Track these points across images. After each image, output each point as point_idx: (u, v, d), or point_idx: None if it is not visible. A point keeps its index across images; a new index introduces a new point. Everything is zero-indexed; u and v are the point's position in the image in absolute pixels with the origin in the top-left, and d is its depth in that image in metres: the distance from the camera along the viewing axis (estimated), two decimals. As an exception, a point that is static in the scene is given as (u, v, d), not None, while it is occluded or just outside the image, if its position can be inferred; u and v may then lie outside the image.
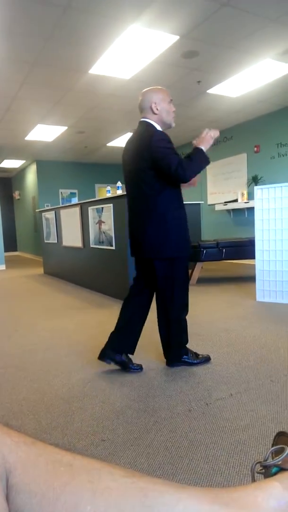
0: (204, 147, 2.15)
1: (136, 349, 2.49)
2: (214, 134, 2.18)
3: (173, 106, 2.25)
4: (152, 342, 2.83)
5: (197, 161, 2.10)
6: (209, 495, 0.43)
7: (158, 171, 2.11)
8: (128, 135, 8.11)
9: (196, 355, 2.40)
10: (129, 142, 2.30)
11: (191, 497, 0.42)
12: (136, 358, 2.52)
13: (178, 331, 2.32)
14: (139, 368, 2.33)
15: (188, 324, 2.41)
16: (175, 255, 2.19)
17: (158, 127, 2.19)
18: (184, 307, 2.33)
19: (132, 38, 3.96)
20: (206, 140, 2.16)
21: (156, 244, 2.17)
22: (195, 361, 2.37)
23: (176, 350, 2.35)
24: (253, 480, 0.52)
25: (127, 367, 2.32)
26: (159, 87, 2.28)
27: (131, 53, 4.30)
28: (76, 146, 9.07)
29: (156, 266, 2.22)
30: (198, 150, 2.14)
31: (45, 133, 7.63)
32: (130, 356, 2.38)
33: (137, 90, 5.50)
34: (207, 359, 2.40)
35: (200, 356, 2.40)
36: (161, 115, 2.19)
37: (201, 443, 1.52)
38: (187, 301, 2.36)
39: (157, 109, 2.18)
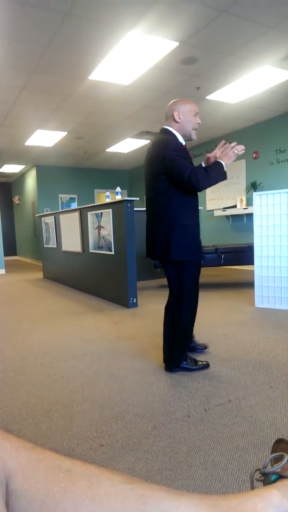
0: (224, 162, 2.18)
1: (134, 354, 2.49)
2: (238, 150, 2.20)
3: (198, 119, 2.28)
4: (152, 347, 2.83)
5: (212, 174, 2.15)
6: (207, 502, 0.43)
7: (170, 178, 2.18)
8: (128, 140, 8.15)
9: (195, 361, 2.40)
10: (149, 148, 2.36)
11: (189, 504, 0.42)
12: (135, 362, 2.52)
13: (182, 336, 2.33)
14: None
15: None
16: (182, 259, 2.23)
17: (179, 136, 2.24)
18: (190, 312, 2.35)
19: (132, 44, 3.99)
20: (228, 156, 2.20)
21: (165, 247, 2.24)
22: (194, 367, 2.36)
23: (177, 355, 2.35)
24: (252, 487, 0.52)
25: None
26: (188, 99, 2.33)
27: (130, 59, 4.33)
28: (76, 152, 9.11)
29: (167, 268, 2.31)
30: (217, 164, 2.18)
31: (45, 138, 7.66)
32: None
33: (137, 95, 5.54)
34: (205, 366, 2.39)
35: (199, 362, 2.39)
36: (183, 124, 2.24)
37: (200, 449, 1.51)
38: (195, 307, 2.38)
39: (179, 118, 2.23)
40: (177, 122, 2.24)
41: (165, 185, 2.22)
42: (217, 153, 2.22)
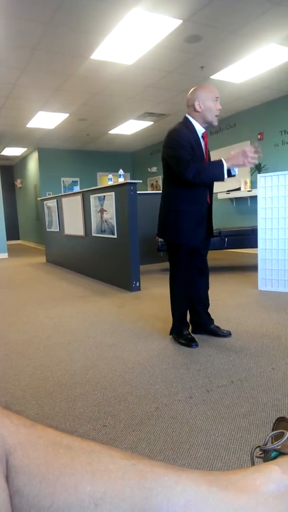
0: (228, 164, 2.20)
1: (137, 336, 2.50)
2: (249, 159, 2.18)
3: (219, 104, 2.30)
4: (155, 330, 2.85)
5: (207, 170, 2.22)
6: (208, 477, 0.44)
7: (168, 165, 2.30)
8: (131, 122, 8.03)
9: (188, 339, 2.50)
10: None
11: (190, 480, 0.43)
12: (137, 345, 2.54)
13: (175, 305, 2.53)
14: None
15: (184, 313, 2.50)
16: (173, 241, 2.41)
17: (196, 124, 2.30)
18: (181, 287, 2.49)
19: (135, 23, 3.89)
20: (234, 158, 2.21)
21: (163, 227, 2.45)
22: (180, 342, 2.52)
23: (173, 322, 2.59)
24: (253, 464, 0.52)
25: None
26: (207, 85, 2.35)
27: (133, 38, 4.23)
28: (78, 134, 9.00)
29: (167, 245, 2.50)
30: (218, 161, 2.21)
31: (47, 120, 7.56)
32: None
33: (140, 75, 5.43)
34: (188, 345, 2.47)
35: (188, 341, 2.49)
36: (204, 113, 2.28)
37: (202, 429, 1.53)
38: (185, 285, 2.49)
39: (200, 107, 2.28)
40: (197, 111, 2.29)
41: (168, 171, 2.34)
42: (232, 153, 2.24)
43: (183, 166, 2.16)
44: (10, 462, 0.40)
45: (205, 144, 2.36)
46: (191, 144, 2.24)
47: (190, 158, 2.19)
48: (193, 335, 2.57)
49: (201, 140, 2.33)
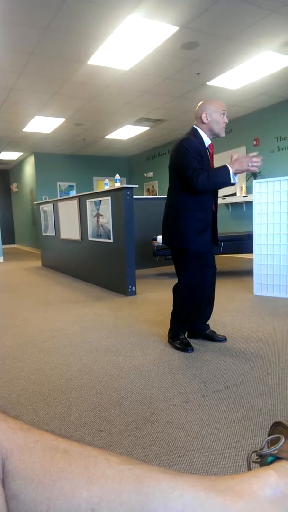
0: (233, 168, 2.23)
1: (133, 341, 2.49)
2: (253, 164, 2.20)
3: (226, 118, 2.38)
4: (150, 335, 2.84)
5: (214, 177, 2.25)
6: (205, 482, 0.44)
7: (179, 173, 2.34)
8: (127, 127, 8.06)
9: (184, 343, 2.51)
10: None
11: (187, 485, 0.43)
12: (133, 349, 2.53)
13: (175, 310, 2.55)
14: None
15: (185, 317, 2.47)
16: (182, 247, 2.44)
17: (204, 135, 2.38)
18: (184, 293, 2.49)
19: (131, 29, 3.91)
20: (238, 163, 2.23)
21: (169, 234, 2.49)
22: (176, 347, 2.53)
23: (171, 328, 2.61)
24: (249, 469, 0.52)
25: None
26: (216, 99, 2.45)
27: (130, 44, 4.26)
28: (74, 138, 9.02)
29: (172, 252, 2.54)
30: (223, 168, 2.25)
31: (43, 124, 7.57)
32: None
33: (136, 81, 5.46)
34: (184, 350, 2.48)
35: (184, 346, 2.51)
36: (210, 125, 2.36)
37: (198, 434, 1.53)
38: (189, 291, 2.49)
39: (207, 119, 2.35)
40: (204, 123, 2.37)
41: (175, 178, 2.41)
42: (234, 156, 2.26)
43: (195, 174, 2.22)
44: (6, 467, 0.40)
45: (211, 155, 2.43)
46: (200, 153, 2.31)
47: (200, 167, 2.26)
48: (189, 339, 2.57)
49: (208, 150, 2.40)
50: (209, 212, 2.47)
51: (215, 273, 2.65)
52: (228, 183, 2.25)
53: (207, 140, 2.40)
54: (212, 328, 2.73)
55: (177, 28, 3.98)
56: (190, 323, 2.67)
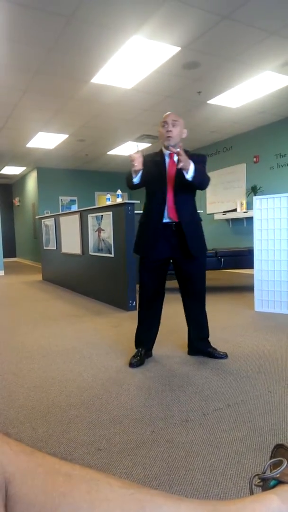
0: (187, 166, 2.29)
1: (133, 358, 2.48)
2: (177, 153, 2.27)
3: (167, 128, 2.40)
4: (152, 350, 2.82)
5: (128, 180, 2.47)
6: (206, 507, 0.43)
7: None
8: (129, 143, 8.17)
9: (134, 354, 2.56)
10: None
11: (188, 509, 0.42)
12: (134, 366, 2.51)
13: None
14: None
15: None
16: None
17: (162, 147, 2.51)
18: (140, 300, 2.59)
19: (134, 49, 4.01)
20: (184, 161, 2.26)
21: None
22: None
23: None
24: (251, 492, 0.52)
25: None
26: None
27: (132, 63, 4.35)
28: (77, 154, 9.12)
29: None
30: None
31: (46, 140, 7.67)
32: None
33: (138, 99, 5.56)
34: (129, 364, 2.53)
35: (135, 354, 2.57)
36: (159, 137, 2.51)
37: (198, 454, 1.51)
38: (143, 297, 2.58)
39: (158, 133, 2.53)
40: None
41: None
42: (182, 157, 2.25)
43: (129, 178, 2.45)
44: (9, 491, 0.40)
45: (170, 163, 2.45)
46: (146, 163, 2.37)
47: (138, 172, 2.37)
48: (189, 356, 2.56)
49: (164, 160, 2.47)
50: (155, 217, 2.47)
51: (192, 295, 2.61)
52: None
53: (165, 151, 2.47)
54: (212, 344, 2.71)
55: (178, 48, 4.07)
56: (188, 340, 2.67)
